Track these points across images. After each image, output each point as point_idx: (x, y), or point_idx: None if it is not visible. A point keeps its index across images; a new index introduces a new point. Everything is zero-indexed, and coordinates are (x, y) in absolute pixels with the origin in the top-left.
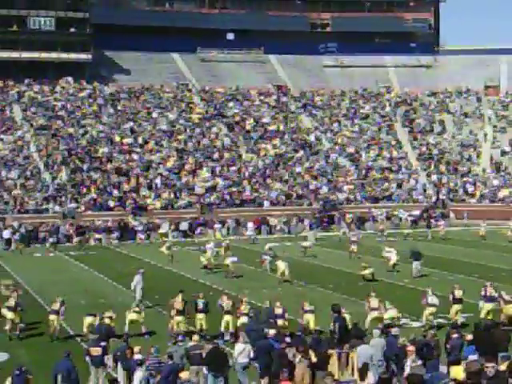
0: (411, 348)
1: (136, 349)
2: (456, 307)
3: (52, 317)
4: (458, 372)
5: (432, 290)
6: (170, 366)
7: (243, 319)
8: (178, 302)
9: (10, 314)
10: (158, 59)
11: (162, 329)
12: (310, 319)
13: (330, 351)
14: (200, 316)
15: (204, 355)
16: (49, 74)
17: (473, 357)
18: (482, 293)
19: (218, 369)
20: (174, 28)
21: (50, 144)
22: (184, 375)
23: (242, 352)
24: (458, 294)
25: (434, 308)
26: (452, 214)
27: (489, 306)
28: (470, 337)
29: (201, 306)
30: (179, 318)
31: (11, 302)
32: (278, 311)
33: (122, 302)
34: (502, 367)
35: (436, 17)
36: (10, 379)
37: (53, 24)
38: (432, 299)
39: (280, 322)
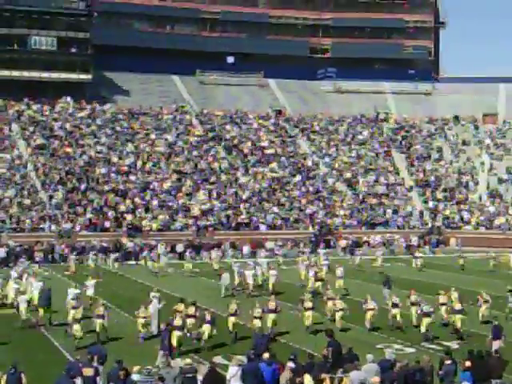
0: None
1: (135, 368)
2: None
3: (99, 321)
4: None
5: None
6: None
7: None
8: (177, 319)
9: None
10: (157, 81)
11: (154, 350)
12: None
13: (322, 375)
14: (206, 326)
15: (200, 377)
16: (48, 93)
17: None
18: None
19: None
20: (174, 50)
21: (48, 163)
22: None
23: (234, 375)
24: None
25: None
26: (453, 240)
27: (427, 319)
28: (468, 363)
29: (208, 317)
30: (179, 334)
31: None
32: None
33: (117, 324)
34: None
35: (436, 44)
36: (4, 378)
37: (54, 44)
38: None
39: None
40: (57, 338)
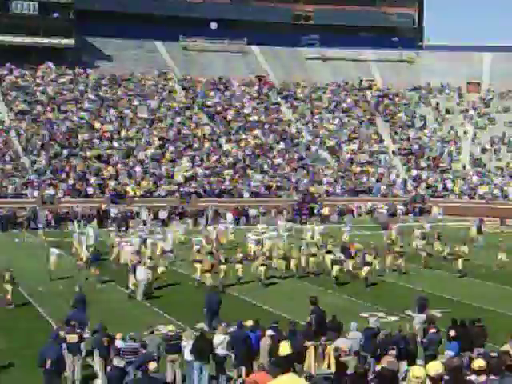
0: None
1: (118, 335)
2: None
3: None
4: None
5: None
6: (143, 355)
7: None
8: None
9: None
10: (140, 47)
11: (138, 317)
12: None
13: (306, 343)
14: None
15: (184, 343)
16: (30, 58)
17: (449, 352)
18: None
19: (205, 356)
20: (157, 16)
21: (30, 129)
22: (152, 366)
23: (220, 344)
24: (369, 258)
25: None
26: (436, 209)
27: (336, 267)
28: (452, 333)
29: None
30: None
31: None
32: None
33: (100, 289)
34: (479, 363)
35: (420, 12)
36: None
37: (36, 8)
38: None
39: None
40: (43, 306)
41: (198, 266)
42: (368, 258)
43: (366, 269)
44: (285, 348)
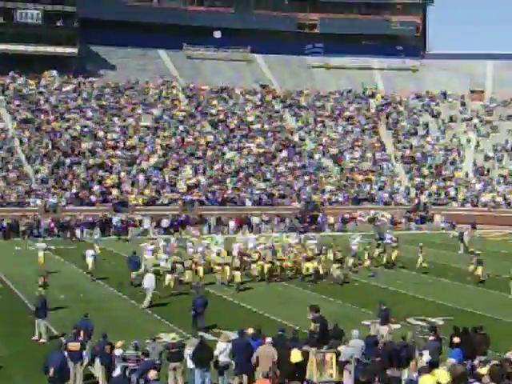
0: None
1: (118, 343)
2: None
3: (188, 271)
4: (442, 376)
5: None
6: (146, 363)
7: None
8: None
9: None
10: (144, 55)
11: (141, 325)
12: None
13: (305, 347)
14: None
15: (188, 351)
16: (34, 67)
17: (451, 360)
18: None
19: (205, 363)
20: (160, 24)
21: (34, 137)
22: (152, 374)
23: (223, 351)
24: (337, 255)
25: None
26: (438, 217)
27: (309, 264)
28: (456, 340)
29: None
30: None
31: None
32: None
33: (102, 298)
34: (481, 371)
35: (423, 20)
36: None
37: (40, 17)
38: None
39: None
40: None
41: (219, 268)
42: (339, 256)
43: (335, 266)
44: (296, 355)
